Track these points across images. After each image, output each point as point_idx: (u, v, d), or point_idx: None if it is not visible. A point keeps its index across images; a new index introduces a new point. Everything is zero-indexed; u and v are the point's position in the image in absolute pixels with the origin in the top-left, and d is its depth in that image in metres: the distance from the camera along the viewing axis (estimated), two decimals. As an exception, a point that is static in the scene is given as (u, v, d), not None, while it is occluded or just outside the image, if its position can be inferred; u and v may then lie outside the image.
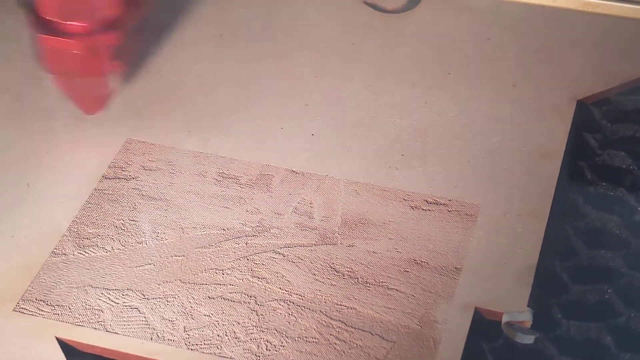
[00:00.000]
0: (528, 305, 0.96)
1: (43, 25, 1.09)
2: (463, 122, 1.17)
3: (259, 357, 0.93)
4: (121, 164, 1.13)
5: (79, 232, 1.06)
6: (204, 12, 1.35)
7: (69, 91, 1.15)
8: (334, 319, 0.96)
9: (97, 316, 0.97)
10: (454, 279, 0.99)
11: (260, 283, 1.00)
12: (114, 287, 1.00)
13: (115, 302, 0.98)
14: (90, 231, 1.05)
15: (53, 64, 1.12)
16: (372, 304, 0.97)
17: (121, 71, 1.16)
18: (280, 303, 0.98)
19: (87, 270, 1.02)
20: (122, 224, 1.06)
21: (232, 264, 1.02)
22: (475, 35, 1.30)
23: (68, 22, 1.08)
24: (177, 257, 1.02)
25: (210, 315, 0.97)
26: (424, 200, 1.07)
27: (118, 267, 1.02)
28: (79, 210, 1.08)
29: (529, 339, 0.94)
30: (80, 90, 1.14)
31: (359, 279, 1.00)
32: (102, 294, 0.99)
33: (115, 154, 1.14)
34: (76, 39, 1.08)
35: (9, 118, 1.20)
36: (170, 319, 0.97)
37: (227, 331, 0.95)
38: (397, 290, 0.99)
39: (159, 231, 1.05)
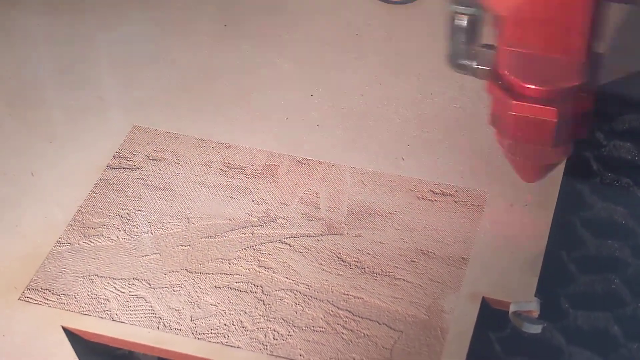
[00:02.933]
0: (535, 295, 0.95)
1: (508, 89, 0.95)
2: (469, 112, 1.16)
3: (266, 346, 0.93)
4: (126, 154, 1.13)
5: (84, 221, 1.05)
6: (208, 2, 1.35)
7: (519, 157, 1.01)
8: (341, 309, 0.96)
9: (103, 305, 0.97)
10: (461, 268, 0.99)
11: (266, 273, 0.99)
12: (119, 277, 1.00)
13: (121, 292, 0.98)
14: (95, 221, 1.05)
15: (519, 130, 0.96)
16: (379, 294, 0.97)
17: (582, 138, 1.01)
18: (287, 293, 0.98)
19: (93, 260, 1.01)
20: (128, 213, 1.06)
21: (238, 253, 1.01)
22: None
23: (537, 87, 0.94)
24: (183, 247, 1.02)
25: (217, 304, 0.97)
26: (431, 190, 1.07)
27: (124, 256, 1.02)
28: (84, 199, 1.07)
29: (536, 329, 0.94)
30: (534, 157, 1.00)
31: (366, 268, 1.00)
32: (108, 283, 0.99)
33: (120, 143, 1.14)
34: (551, 106, 0.94)
35: (13, 107, 1.19)
36: (177, 309, 0.96)
37: (234, 320, 0.95)
38: (404, 280, 0.98)
39: (164, 221, 1.05)
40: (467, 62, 1.01)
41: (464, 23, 1.00)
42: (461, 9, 0.99)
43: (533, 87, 0.94)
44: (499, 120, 0.98)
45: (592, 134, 1.15)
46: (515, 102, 0.94)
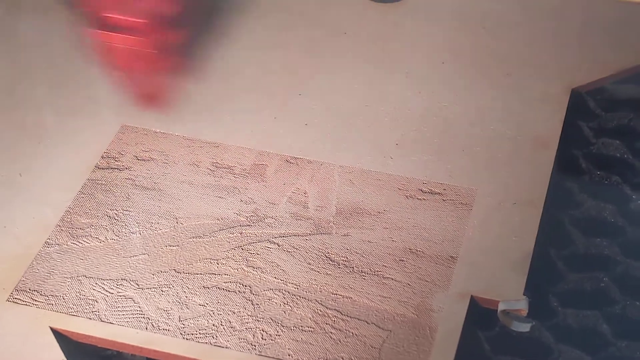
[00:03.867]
0: (524, 294, 0.95)
1: (100, 22, 1.05)
2: (457, 111, 1.16)
3: (255, 346, 0.93)
4: (114, 154, 1.12)
5: (72, 222, 1.05)
6: (196, 3, 1.34)
7: (126, 86, 1.12)
8: (329, 308, 0.96)
9: (91, 306, 0.97)
10: (450, 267, 0.99)
11: (255, 272, 0.99)
12: (108, 277, 0.99)
13: (109, 292, 0.98)
14: (83, 221, 1.05)
15: (111, 60, 1.07)
16: (368, 293, 0.97)
17: (181, 67, 1.12)
18: (276, 292, 0.97)
19: (81, 260, 1.01)
20: (116, 214, 1.06)
21: (226, 253, 1.01)
22: (470, 24, 1.29)
23: (128, 19, 1.04)
24: (171, 247, 1.02)
25: (206, 304, 0.96)
26: (419, 189, 1.07)
27: (112, 257, 1.01)
28: (72, 200, 1.07)
29: (525, 327, 0.94)
30: (140, 86, 1.10)
31: (355, 268, 0.99)
32: (96, 283, 0.99)
33: (108, 144, 1.14)
34: (140, 35, 1.04)
35: (1, 107, 1.19)
36: (165, 309, 0.96)
37: (223, 321, 0.95)
38: (392, 279, 0.98)
39: (153, 221, 1.05)
40: None
41: None
42: None
43: (128, 18, 1.03)
44: (95, 53, 1.08)
45: (580, 132, 1.15)
46: (102, 32, 1.04)
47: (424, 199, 1.06)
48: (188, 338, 0.94)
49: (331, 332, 0.94)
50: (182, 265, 1.00)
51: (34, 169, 1.11)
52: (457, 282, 0.97)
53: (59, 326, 0.96)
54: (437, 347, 0.92)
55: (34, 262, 1.01)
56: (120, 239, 1.03)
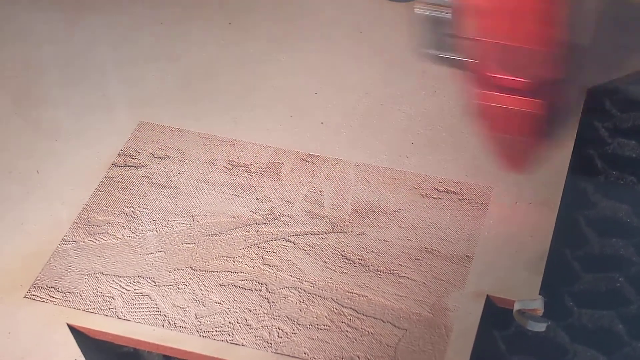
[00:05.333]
0: (540, 294, 0.95)
1: (483, 81, 0.97)
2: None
3: (271, 344, 0.93)
4: (131, 152, 1.13)
5: (90, 219, 1.05)
6: (212, 1, 1.35)
7: (499, 148, 1.05)
8: (345, 307, 0.96)
9: (108, 303, 0.97)
10: (465, 267, 0.99)
11: (271, 271, 1.00)
12: (125, 274, 1.00)
13: (126, 289, 0.98)
14: (100, 219, 1.05)
15: (496, 122, 1.00)
16: (384, 292, 0.97)
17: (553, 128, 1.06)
18: (292, 290, 0.98)
19: (98, 258, 1.02)
20: (133, 211, 1.06)
21: (242, 251, 1.01)
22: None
23: (514, 78, 0.95)
24: (187, 245, 1.02)
25: (222, 302, 0.97)
26: (435, 188, 1.07)
27: (129, 254, 1.02)
28: (89, 197, 1.08)
29: (540, 327, 0.94)
30: (513, 148, 1.03)
31: (370, 266, 1.00)
32: (113, 281, 0.99)
33: (125, 141, 1.14)
34: (526, 96, 0.96)
35: (18, 105, 1.20)
36: (182, 306, 0.97)
37: (239, 318, 0.95)
38: (408, 278, 0.98)
39: (169, 219, 1.05)
40: (443, 54, 1.01)
41: (440, 14, 0.99)
42: None
43: (513, 78, 0.94)
44: (479, 112, 0.99)
45: (596, 132, 1.15)
46: (495, 93, 0.96)
47: (439, 198, 1.06)
48: (204, 335, 0.94)
49: (347, 331, 0.94)
50: (198, 263, 1.00)
51: (51, 167, 1.12)
52: (473, 282, 0.98)
53: (75, 323, 0.96)
54: (452, 346, 0.92)
55: (51, 259, 1.01)
56: (137, 237, 1.03)
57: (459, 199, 1.06)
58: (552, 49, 0.92)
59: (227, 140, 1.14)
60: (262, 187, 1.08)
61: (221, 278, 0.99)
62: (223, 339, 0.94)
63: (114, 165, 1.11)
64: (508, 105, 0.95)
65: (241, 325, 0.95)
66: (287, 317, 0.95)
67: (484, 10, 0.92)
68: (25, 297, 0.98)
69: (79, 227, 1.05)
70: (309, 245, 1.02)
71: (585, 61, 0.99)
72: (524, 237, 1.01)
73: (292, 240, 1.02)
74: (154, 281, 0.99)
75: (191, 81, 1.22)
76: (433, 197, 1.06)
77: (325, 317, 0.95)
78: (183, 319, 0.96)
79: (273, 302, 0.97)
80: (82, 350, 0.94)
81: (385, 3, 1.33)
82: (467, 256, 1.00)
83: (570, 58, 0.96)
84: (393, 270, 0.99)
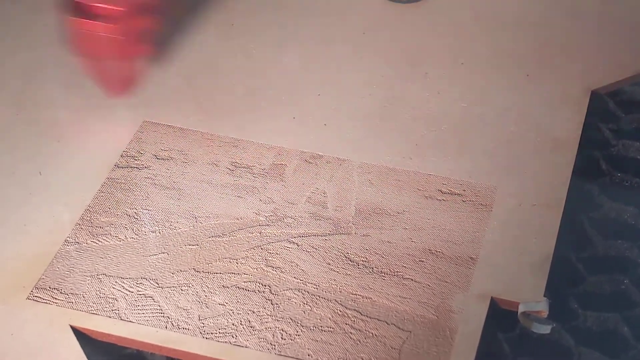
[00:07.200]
0: (544, 296, 0.95)
1: (74, 8, 1.08)
2: (476, 112, 1.16)
3: (274, 346, 0.93)
4: (133, 153, 1.12)
5: (92, 220, 1.05)
6: (215, 2, 1.34)
7: (96, 73, 1.15)
8: (349, 309, 0.96)
9: (111, 304, 0.97)
10: (470, 268, 0.99)
11: (274, 272, 0.99)
12: (127, 276, 0.99)
13: (129, 291, 0.98)
14: (103, 220, 1.05)
15: (84, 47, 1.11)
16: (388, 294, 0.97)
17: (150, 55, 1.15)
18: (295, 292, 0.97)
19: (101, 259, 1.01)
20: (135, 213, 1.06)
21: (246, 253, 1.01)
22: (489, 25, 1.29)
23: (101, 5, 1.07)
24: (191, 246, 1.02)
25: (225, 304, 0.97)
26: (439, 190, 1.07)
27: (132, 255, 1.01)
28: (92, 199, 1.07)
29: (545, 329, 0.94)
30: (108, 73, 1.14)
31: (374, 268, 0.99)
32: (116, 282, 0.99)
33: (127, 143, 1.14)
34: (110, 22, 1.07)
35: (20, 107, 1.19)
36: (185, 308, 0.96)
37: (242, 320, 0.95)
38: (412, 280, 0.98)
39: (172, 220, 1.05)
40: None
41: None
42: None
43: (98, 5, 1.06)
44: (70, 40, 1.10)
45: (600, 134, 1.15)
46: (75, 18, 1.07)
47: (443, 199, 1.06)
48: (208, 337, 0.94)
49: (351, 333, 0.94)
50: (201, 265, 1.00)
51: (53, 168, 1.11)
52: (477, 284, 0.97)
53: (78, 324, 0.96)
54: (457, 348, 0.92)
55: (54, 261, 1.01)
56: (140, 238, 1.03)
57: (463, 201, 1.06)
58: None
59: (230, 141, 1.13)
60: (266, 188, 1.08)
61: (224, 279, 0.99)
62: (226, 340, 0.94)
63: (117, 166, 1.11)
64: (103, 31, 1.07)
65: (244, 326, 0.95)
66: (291, 318, 0.95)
67: None
68: (28, 298, 0.98)
69: (81, 228, 1.04)
70: (313, 247, 1.02)
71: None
72: (528, 239, 1.01)
73: (296, 241, 1.02)
74: (157, 283, 0.99)
75: (194, 82, 1.22)
76: (437, 199, 1.06)
77: (329, 318, 0.95)
78: (186, 320, 0.95)
79: (276, 304, 0.96)
80: (85, 352, 0.94)
81: (388, 4, 1.33)
82: (471, 258, 1.00)
83: None
84: (397, 272, 0.99)
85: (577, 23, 1.29)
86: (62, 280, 0.99)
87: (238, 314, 0.96)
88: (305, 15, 1.32)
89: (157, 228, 1.04)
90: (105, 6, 1.07)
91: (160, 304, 0.97)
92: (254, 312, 0.96)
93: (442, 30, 1.29)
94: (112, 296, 0.98)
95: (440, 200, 1.06)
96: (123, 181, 1.09)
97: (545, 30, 1.28)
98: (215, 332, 0.94)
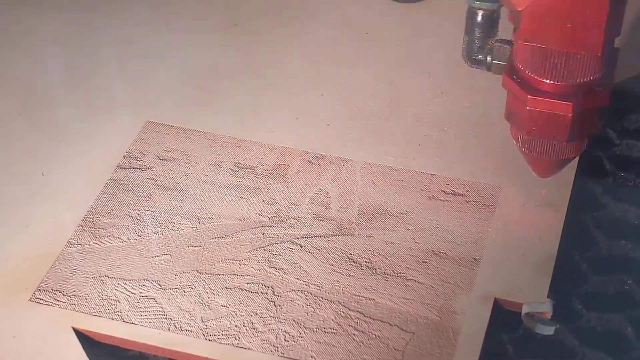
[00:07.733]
0: (548, 296, 0.95)
1: (524, 84, 0.96)
2: (480, 112, 1.16)
3: (277, 347, 0.93)
4: (136, 154, 1.12)
5: (95, 222, 1.05)
6: (217, 1, 1.34)
7: (533, 152, 1.01)
8: (352, 310, 0.96)
9: (113, 306, 0.97)
10: (473, 269, 0.98)
11: (277, 274, 0.99)
12: (130, 278, 0.99)
13: (132, 293, 0.98)
14: (105, 221, 1.05)
15: (534, 125, 0.96)
16: (391, 295, 0.97)
17: (596, 133, 1.02)
18: (298, 294, 0.97)
19: (103, 261, 1.01)
20: (138, 214, 1.06)
21: (249, 254, 1.01)
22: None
23: (554, 82, 0.94)
24: (193, 248, 1.02)
25: (228, 305, 0.96)
26: (442, 190, 1.07)
27: (134, 257, 1.01)
28: (94, 200, 1.07)
29: (549, 330, 0.94)
30: (548, 152, 1.00)
31: (377, 269, 0.99)
32: (118, 284, 0.99)
33: (130, 144, 1.14)
34: (569, 101, 0.94)
35: (23, 107, 1.19)
36: (188, 310, 0.96)
37: (245, 322, 0.95)
38: (415, 281, 0.98)
39: (175, 221, 1.04)
40: (482, 57, 1.02)
41: (480, 18, 1.00)
42: (478, 3, 0.99)
43: (549, 82, 0.94)
44: (515, 115, 0.98)
45: (604, 133, 1.14)
46: (531, 96, 0.94)
47: (446, 200, 1.06)
48: (210, 339, 0.94)
49: (354, 334, 0.94)
50: (204, 266, 1.00)
51: (56, 169, 1.11)
52: (481, 285, 0.97)
53: (81, 326, 0.96)
54: (460, 349, 0.92)
55: (56, 262, 1.01)
56: (142, 239, 1.03)
57: (466, 201, 1.05)
58: (595, 53, 0.91)
59: (233, 142, 1.13)
60: (268, 189, 1.08)
61: (227, 281, 0.98)
62: (229, 342, 0.93)
63: (119, 167, 1.11)
64: (547, 109, 0.94)
65: (247, 328, 0.94)
66: (294, 320, 0.95)
67: (534, 14, 0.90)
68: (30, 300, 0.98)
69: (84, 229, 1.04)
70: (316, 248, 1.01)
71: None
72: (532, 239, 1.01)
73: (299, 242, 1.02)
74: (159, 284, 0.98)
75: (196, 83, 1.22)
76: (440, 199, 1.06)
77: (332, 320, 0.95)
78: (189, 322, 0.95)
79: (279, 305, 0.96)
80: (87, 354, 0.93)
81: (391, 4, 1.33)
82: (474, 259, 0.99)
83: (609, 61, 0.95)
84: (400, 273, 0.99)
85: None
86: (64, 282, 0.99)
87: (241, 315, 0.95)
88: (308, 15, 1.31)
89: (159, 229, 1.04)
90: (558, 83, 0.94)
91: (163, 306, 0.97)
92: (256, 314, 0.95)
93: (445, 29, 1.29)
94: (115, 298, 0.97)
95: (443, 200, 1.06)
96: (126, 182, 1.09)
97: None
98: (218, 333, 0.94)
